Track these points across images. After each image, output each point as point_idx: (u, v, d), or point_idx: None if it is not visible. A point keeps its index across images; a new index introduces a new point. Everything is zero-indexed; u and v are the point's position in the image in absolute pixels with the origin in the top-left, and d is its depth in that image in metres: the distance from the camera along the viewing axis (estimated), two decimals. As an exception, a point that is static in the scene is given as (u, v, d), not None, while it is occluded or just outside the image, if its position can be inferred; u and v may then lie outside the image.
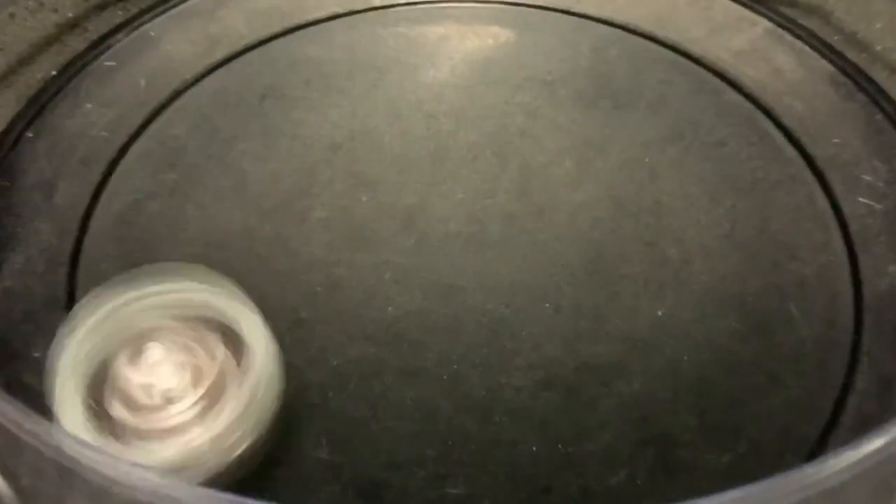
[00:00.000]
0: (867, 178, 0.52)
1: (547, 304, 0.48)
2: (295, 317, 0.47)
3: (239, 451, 0.39)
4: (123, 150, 0.53)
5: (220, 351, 0.40)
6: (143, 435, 0.38)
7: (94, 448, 0.28)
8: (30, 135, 0.53)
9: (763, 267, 0.49)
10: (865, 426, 0.44)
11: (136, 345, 0.40)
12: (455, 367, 0.46)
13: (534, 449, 0.44)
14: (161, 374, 0.39)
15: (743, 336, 0.47)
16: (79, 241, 0.49)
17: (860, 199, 0.51)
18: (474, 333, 0.47)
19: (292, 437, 0.44)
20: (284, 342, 0.46)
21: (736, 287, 0.48)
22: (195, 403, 0.39)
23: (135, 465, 0.28)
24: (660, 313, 0.48)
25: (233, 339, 0.41)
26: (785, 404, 0.45)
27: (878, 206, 0.51)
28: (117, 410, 0.38)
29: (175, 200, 0.51)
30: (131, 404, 0.39)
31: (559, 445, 0.44)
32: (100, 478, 0.27)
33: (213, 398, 0.39)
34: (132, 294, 0.41)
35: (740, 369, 0.46)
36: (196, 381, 0.40)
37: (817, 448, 0.43)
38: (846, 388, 0.45)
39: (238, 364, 0.40)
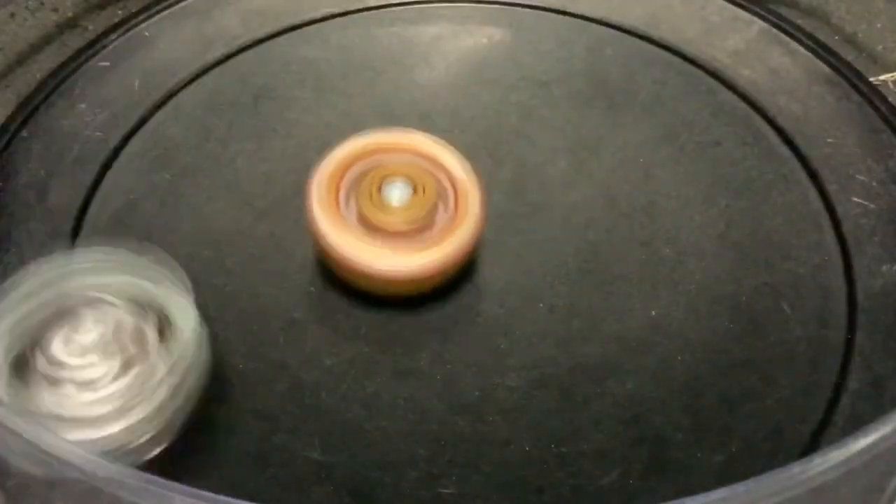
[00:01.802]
0: (861, 177, 0.52)
1: (541, 304, 0.48)
2: (288, 317, 0.47)
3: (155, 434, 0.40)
4: (117, 150, 0.53)
5: (152, 337, 0.41)
6: (63, 419, 0.39)
7: (78, 451, 0.28)
8: (24, 135, 0.53)
9: (757, 266, 0.49)
10: (858, 426, 0.44)
11: (69, 321, 0.40)
12: (448, 367, 0.46)
13: (527, 449, 0.44)
14: (90, 359, 0.40)
15: (736, 336, 0.47)
16: (72, 241, 0.49)
17: (854, 198, 0.51)
18: (468, 333, 0.47)
19: (284, 437, 0.44)
20: (278, 342, 0.47)
21: (730, 287, 0.48)
22: (116, 395, 0.39)
23: (120, 464, 0.28)
24: (653, 313, 0.48)
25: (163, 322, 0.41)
26: (777, 404, 0.45)
27: (871, 206, 0.51)
28: (40, 387, 0.39)
29: (169, 200, 0.51)
30: (56, 385, 0.39)
31: (552, 445, 0.44)
32: (86, 477, 0.27)
33: (136, 389, 0.39)
34: (72, 264, 0.42)
35: (733, 369, 0.46)
36: (124, 368, 0.40)
37: (810, 447, 0.43)
38: (839, 387, 0.45)
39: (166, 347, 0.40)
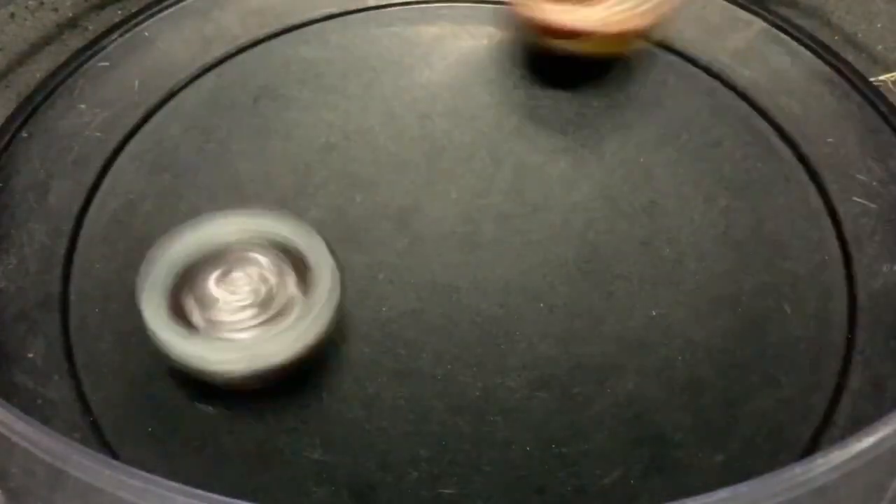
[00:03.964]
0: (861, 177, 0.52)
1: (541, 304, 0.48)
2: (289, 317, 0.47)
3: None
4: (117, 150, 0.53)
5: (292, 280, 0.45)
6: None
7: (82, 451, 0.28)
8: (23, 135, 0.53)
9: (757, 266, 0.49)
10: (859, 426, 0.44)
11: (221, 266, 0.45)
12: (449, 367, 0.46)
13: (528, 449, 0.44)
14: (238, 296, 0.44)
15: (737, 335, 0.47)
16: (72, 242, 0.50)
17: (854, 198, 0.51)
18: (468, 334, 0.47)
19: (285, 438, 0.44)
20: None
21: (730, 286, 0.48)
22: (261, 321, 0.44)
23: (123, 466, 0.28)
24: (654, 313, 0.48)
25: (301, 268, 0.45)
26: (778, 404, 0.45)
27: (871, 206, 0.51)
28: (196, 318, 0.44)
29: (169, 201, 0.51)
30: (210, 314, 0.44)
31: (553, 445, 0.44)
32: (88, 478, 0.27)
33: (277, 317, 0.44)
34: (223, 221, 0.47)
35: (734, 369, 0.46)
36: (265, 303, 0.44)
37: (810, 448, 0.43)
38: (839, 387, 0.45)
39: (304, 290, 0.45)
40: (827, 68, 0.56)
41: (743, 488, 0.27)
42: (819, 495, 0.28)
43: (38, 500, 0.30)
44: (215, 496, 0.28)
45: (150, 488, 0.27)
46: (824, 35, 0.59)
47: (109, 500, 0.28)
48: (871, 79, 0.56)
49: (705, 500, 0.27)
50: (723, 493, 0.27)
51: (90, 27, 0.61)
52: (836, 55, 0.57)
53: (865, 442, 0.29)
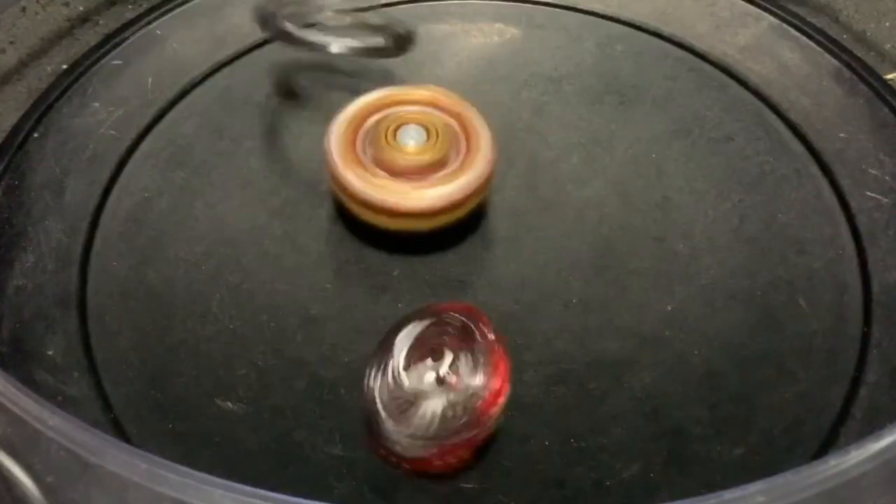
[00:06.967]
0: (874, 172, 0.52)
1: (556, 300, 0.48)
2: (305, 314, 0.47)
3: None
4: (131, 148, 0.53)
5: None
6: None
7: (117, 445, 0.28)
8: (37, 134, 0.53)
9: (771, 261, 0.49)
10: (876, 418, 0.44)
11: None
12: (466, 363, 0.46)
13: (546, 443, 0.44)
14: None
15: (752, 330, 0.47)
16: (89, 240, 0.50)
17: (867, 192, 0.51)
18: (484, 329, 0.47)
19: (305, 433, 0.44)
20: (296, 339, 0.47)
21: (744, 281, 0.49)
22: None
23: (157, 461, 0.28)
24: (669, 308, 0.48)
25: None
26: (796, 397, 0.45)
27: (885, 200, 0.51)
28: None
29: (184, 198, 0.51)
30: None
31: (571, 440, 0.44)
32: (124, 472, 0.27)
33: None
34: None
35: (750, 362, 0.46)
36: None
37: (829, 440, 0.44)
38: (856, 380, 0.45)
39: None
40: (837, 63, 0.56)
41: (779, 480, 0.27)
42: (852, 486, 0.28)
43: (73, 495, 0.30)
44: (254, 489, 0.28)
45: (190, 483, 0.27)
46: (833, 33, 0.60)
47: (147, 495, 0.28)
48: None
49: (742, 491, 0.27)
50: (759, 486, 0.27)
51: (101, 21, 0.61)
52: (846, 50, 0.57)
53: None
